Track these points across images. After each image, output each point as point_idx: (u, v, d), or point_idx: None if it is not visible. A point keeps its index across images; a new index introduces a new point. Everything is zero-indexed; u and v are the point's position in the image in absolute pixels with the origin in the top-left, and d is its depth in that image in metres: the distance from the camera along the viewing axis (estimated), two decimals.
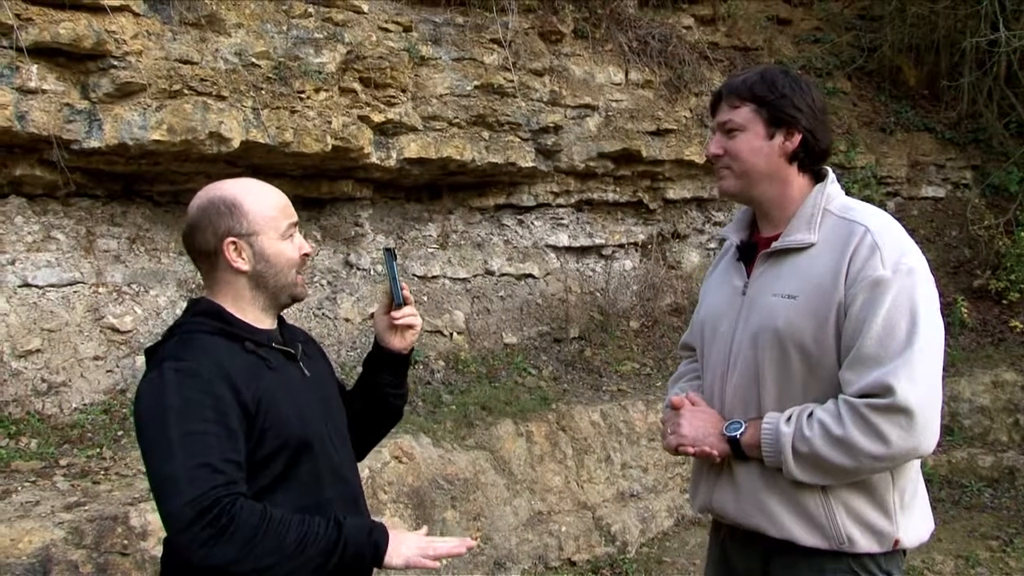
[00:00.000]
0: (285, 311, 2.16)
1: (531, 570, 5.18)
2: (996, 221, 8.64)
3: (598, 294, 7.33)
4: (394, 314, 2.27)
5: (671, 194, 7.67)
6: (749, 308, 2.25)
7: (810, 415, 2.08)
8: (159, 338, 2.02)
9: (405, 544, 1.96)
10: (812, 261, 2.15)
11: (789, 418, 2.10)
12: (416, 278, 6.35)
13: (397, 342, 2.30)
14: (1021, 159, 8.97)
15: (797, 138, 2.22)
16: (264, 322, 2.06)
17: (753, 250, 2.33)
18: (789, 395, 2.15)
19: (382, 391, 2.33)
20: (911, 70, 9.75)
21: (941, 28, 9.30)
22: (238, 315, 2.01)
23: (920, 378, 1.99)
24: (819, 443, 2.03)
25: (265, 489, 1.90)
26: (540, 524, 5.36)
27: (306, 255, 2.10)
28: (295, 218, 2.09)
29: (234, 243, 1.99)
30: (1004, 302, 8.20)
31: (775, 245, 2.23)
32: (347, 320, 5.94)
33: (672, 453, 2.31)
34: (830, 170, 2.32)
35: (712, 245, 8.19)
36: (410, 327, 2.29)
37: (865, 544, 2.10)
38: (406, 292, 2.28)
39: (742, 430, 2.18)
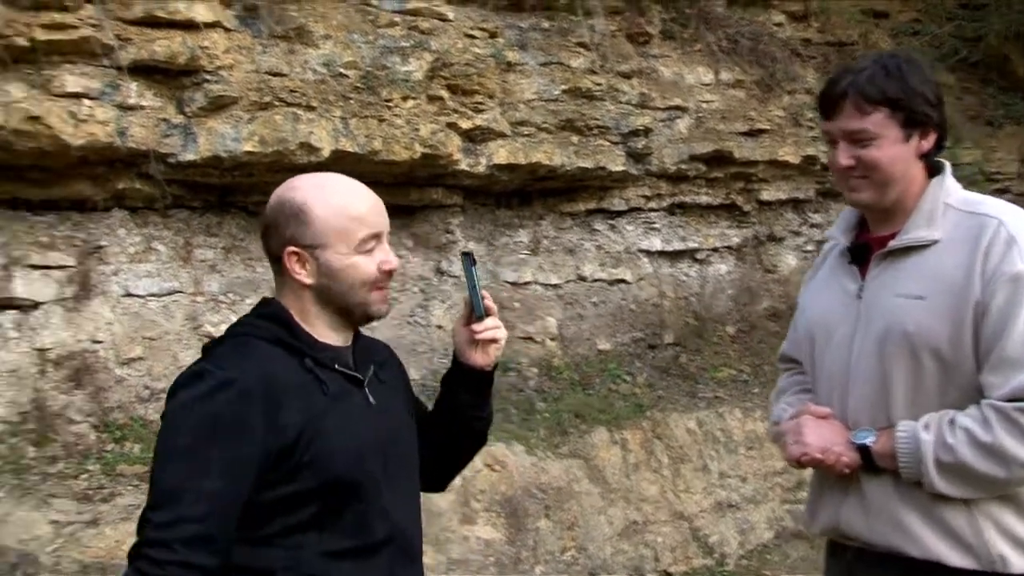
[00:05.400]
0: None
1: None
2: None
3: (692, 299, 7.18)
4: (475, 327, 1.94)
5: (765, 196, 7.46)
6: (868, 312, 2.07)
7: (951, 421, 1.91)
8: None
9: None
10: (938, 259, 1.98)
11: (927, 425, 1.93)
12: (508, 284, 6.32)
13: (479, 358, 1.97)
14: None
15: (932, 137, 2.06)
16: (331, 337, 1.82)
17: (865, 251, 2.15)
18: (923, 403, 1.97)
19: (462, 414, 2.03)
20: (1020, 60, 9.30)
21: None
22: (304, 326, 1.79)
23: None
24: (965, 451, 1.87)
25: (293, 528, 1.69)
26: (635, 534, 5.25)
27: (389, 271, 1.81)
28: (379, 228, 1.80)
29: (296, 254, 1.76)
30: None
31: (893, 244, 2.05)
32: (439, 327, 5.94)
33: (795, 465, 2.14)
34: (946, 163, 2.14)
35: (810, 248, 7.94)
36: (493, 341, 1.96)
37: (1020, 564, 1.91)
38: (488, 301, 1.96)
39: (873, 438, 2.00)
